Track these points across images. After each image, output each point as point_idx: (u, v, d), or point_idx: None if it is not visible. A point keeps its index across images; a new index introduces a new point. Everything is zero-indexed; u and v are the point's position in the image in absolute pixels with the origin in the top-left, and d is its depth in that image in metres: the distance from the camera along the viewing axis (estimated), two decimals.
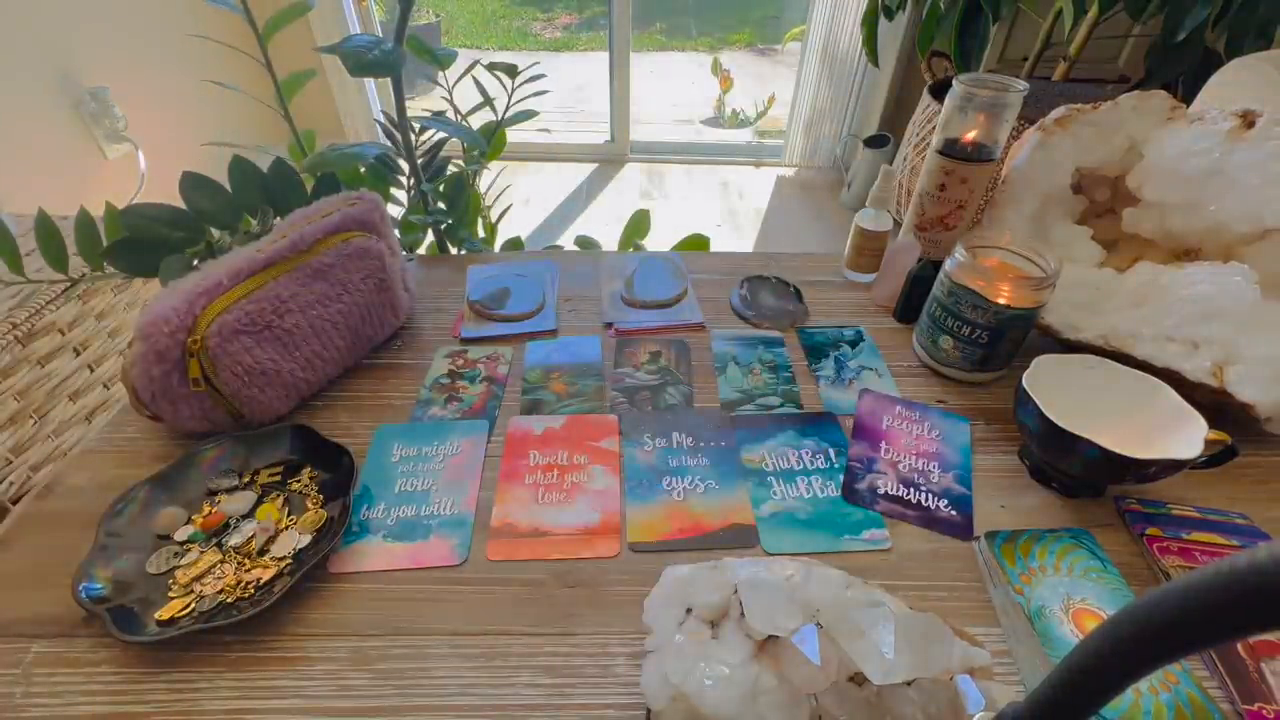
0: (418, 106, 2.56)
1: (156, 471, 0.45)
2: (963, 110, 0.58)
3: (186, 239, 0.65)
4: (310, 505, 0.45)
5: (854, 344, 0.61)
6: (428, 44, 0.79)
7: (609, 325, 0.64)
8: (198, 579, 0.40)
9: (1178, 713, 0.33)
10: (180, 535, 0.43)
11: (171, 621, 0.37)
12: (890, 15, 1.66)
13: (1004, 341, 0.53)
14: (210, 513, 0.44)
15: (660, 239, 0.93)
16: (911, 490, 0.47)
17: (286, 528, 0.44)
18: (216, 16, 1.12)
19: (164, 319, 0.45)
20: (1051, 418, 0.42)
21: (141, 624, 0.37)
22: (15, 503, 0.80)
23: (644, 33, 4.10)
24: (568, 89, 3.24)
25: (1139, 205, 0.57)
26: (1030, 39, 1.65)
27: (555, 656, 0.37)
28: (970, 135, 0.59)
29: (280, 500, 0.46)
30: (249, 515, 0.44)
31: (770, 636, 0.30)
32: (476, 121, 0.91)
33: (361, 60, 0.62)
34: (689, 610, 0.32)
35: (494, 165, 1.04)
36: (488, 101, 0.89)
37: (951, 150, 0.59)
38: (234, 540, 0.42)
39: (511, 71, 0.85)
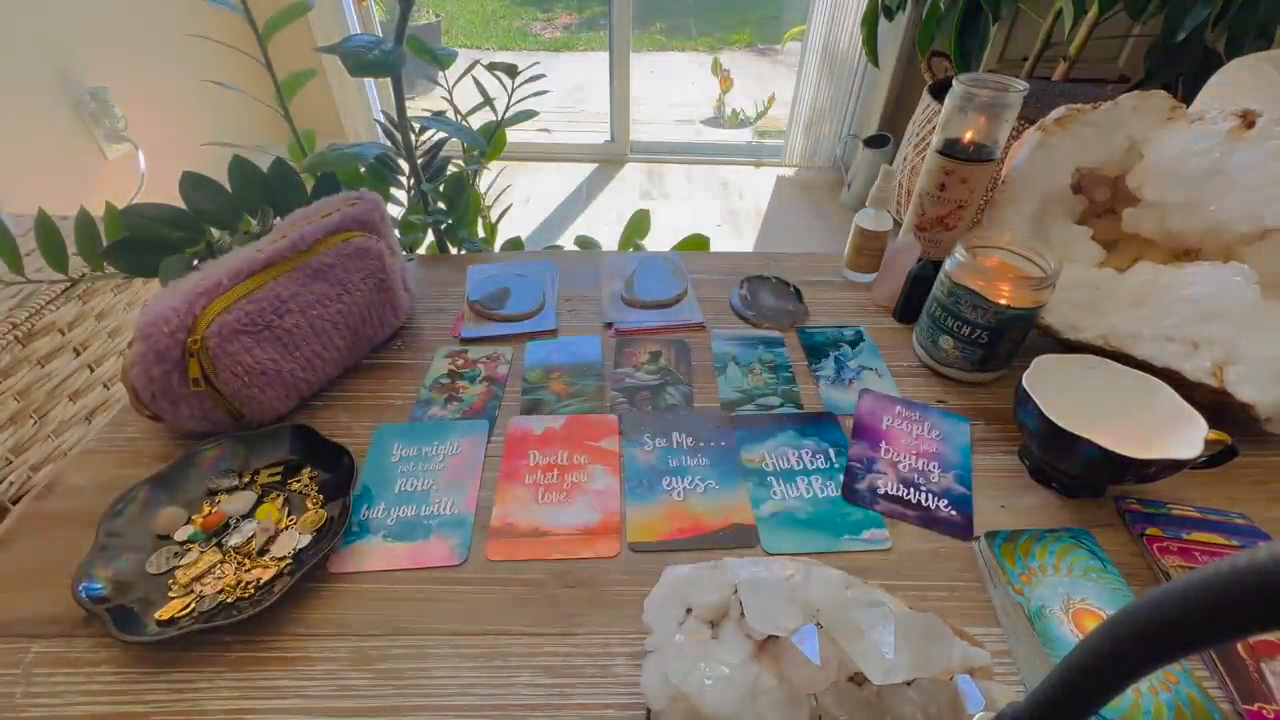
0: (418, 106, 2.57)
1: (156, 471, 0.45)
2: (963, 110, 0.58)
3: (186, 239, 0.65)
4: (310, 505, 0.45)
5: (854, 344, 0.61)
6: (428, 44, 0.79)
7: (609, 325, 0.64)
8: (198, 579, 0.40)
9: (1178, 713, 0.33)
10: (180, 535, 0.43)
11: (171, 621, 0.37)
12: (890, 15, 1.66)
13: (1004, 341, 0.53)
14: (210, 513, 0.44)
15: (660, 239, 0.93)
16: (911, 490, 0.47)
17: (286, 528, 0.44)
18: (216, 16, 1.12)
19: (164, 319, 0.45)
20: (1051, 418, 0.42)
21: (141, 624, 0.37)
22: (15, 503, 0.80)
23: (644, 33, 4.10)
24: (568, 89, 3.24)
25: (1139, 205, 0.57)
26: (1030, 39, 1.65)
27: (555, 656, 0.37)
28: (970, 135, 0.59)
29: (280, 500, 0.46)
30: (249, 515, 0.44)
31: (770, 636, 0.30)
32: (476, 121, 0.91)
33: (361, 60, 0.62)
34: (689, 610, 0.32)
35: (494, 165, 1.04)
36: (488, 101, 0.89)
37: (951, 150, 0.59)
38: (234, 540, 0.42)
39: (511, 71, 0.85)
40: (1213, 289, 0.49)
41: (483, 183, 0.97)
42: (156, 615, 0.38)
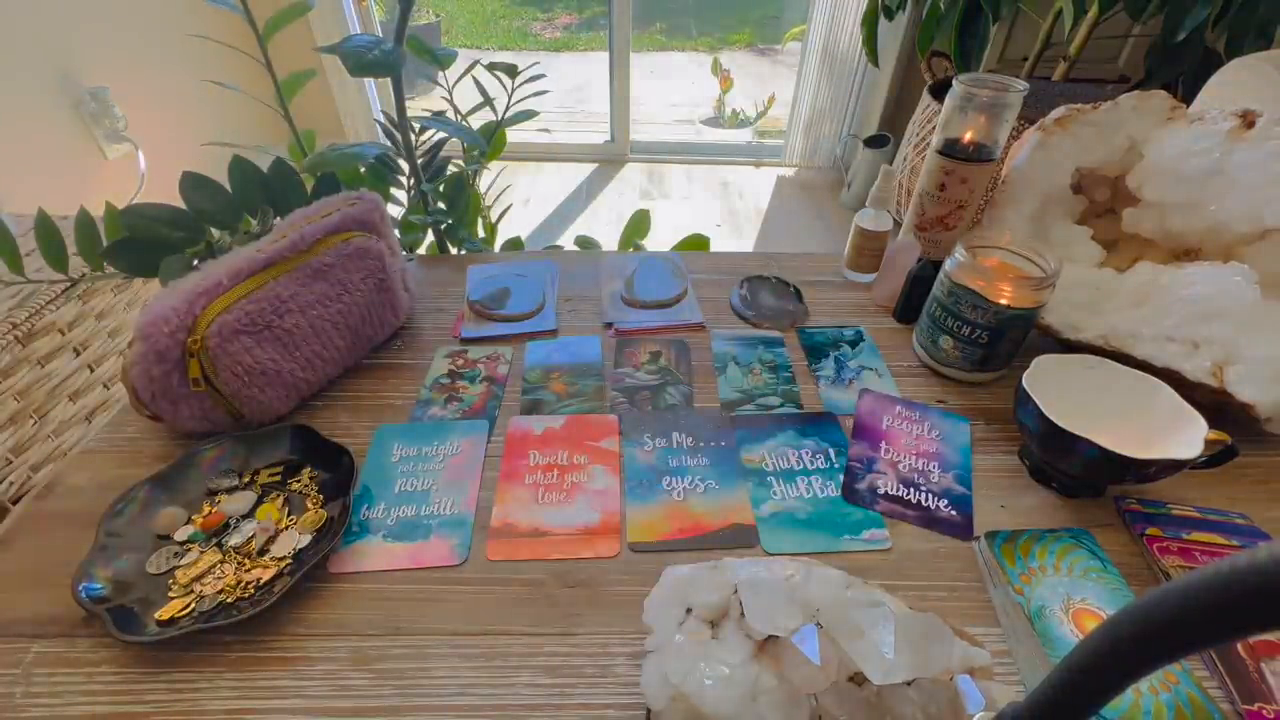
0: (418, 106, 2.57)
1: (156, 471, 0.45)
2: (963, 110, 0.58)
3: (186, 239, 0.65)
4: (310, 505, 0.45)
5: (854, 344, 0.61)
6: (428, 44, 0.79)
7: (609, 325, 0.64)
8: (198, 579, 0.40)
9: (1178, 713, 0.33)
10: (180, 535, 0.43)
11: (171, 621, 0.37)
12: (890, 15, 1.66)
13: (1004, 341, 0.53)
14: (210, 513, 0.44)
15: (660, 239, 0.93)
16: (911, 490, 0.47)
17: (286, 528, 0.44)
18: (216, 16, 1.12)
19: (164, 319, 0.45)
20: (1051, 418, 0.42)
21: (141, 624, 0.37)
22: (15, 503, 0.80)
23: (644, 33, 4.10)
24: (568, 89, 3.24)
25: (1139, 205, 0.57)
26: (1030, 39, 1.65)
27: (555, 656, 0.37)
28: (970, 135, 0.59)
29: (280, 500, 0.46)
30: (249, 515, 0.44)
31: (770, 636, 0.30)
32: (476, 121, 0.91)
33: (361, 60, 0.62)
34: (689, 610, 0.32)
35: (494, 165, 1.04)
36: (488, 101, 0.89)
37: (951, 150, 0.59)
38: (234, 540, 0.42)
39: (511, 71, 0.85)
40: (1213, 289, 0.49)
41: (483, 183, 0.97)
42: (156, 615, 0.38)
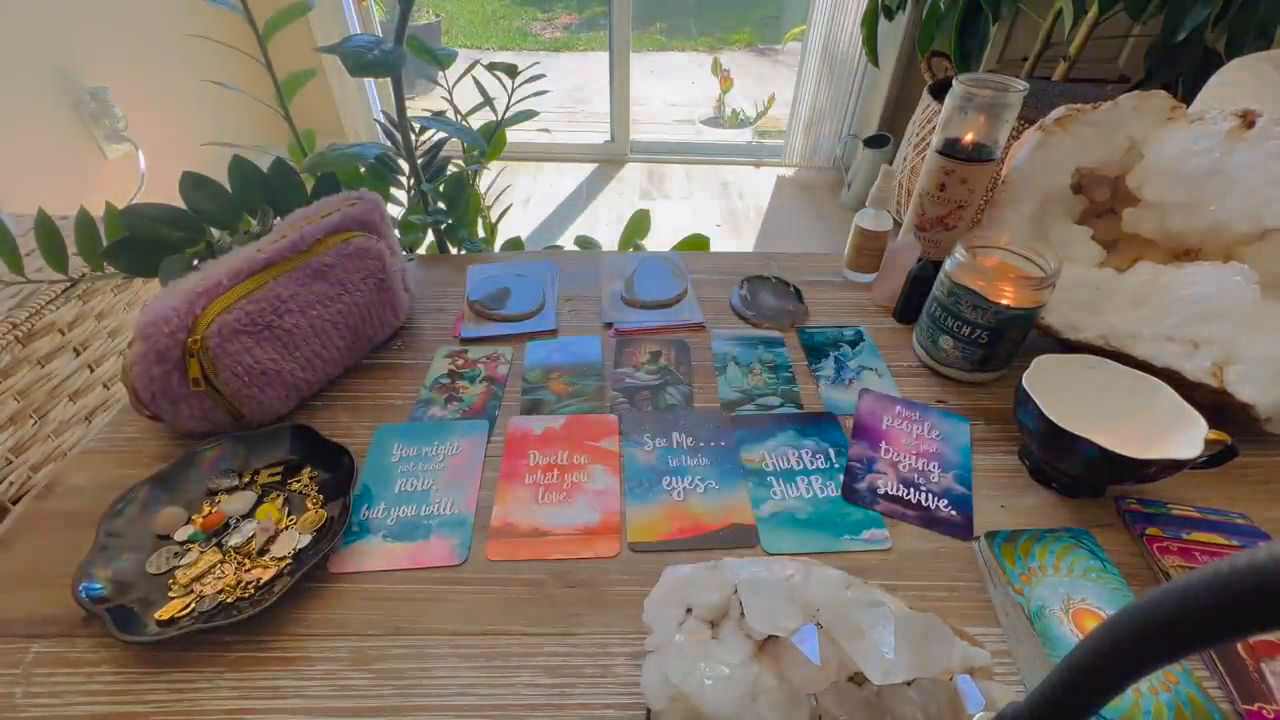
0: (418, 106, 2.57)
1: (156, 471, 0.45)
2: (963, 110, 0.58)
3: (186, 239, 0.65)
4: (310, 505, 0.45)
5: (854, 344, 0.61)
6: (428, 44, 0.79)
7: (609, 325, 0.64)
8: (198, 579, 0.40)
9: (1178, 713, 0.33)
10: (180, 535, 0.43)
11: (171, 621, 0.37)
12: (890, 15, 1.66)
13: (1004, 341, 0.53)
14: (210, 513, 0.44)
15: (660, 239, 0.93)
16: (911, 490, 0.47)
17: (286, 528, 0.44)
18: (216, 16, 1.12)
19: (164, 319, 0.45)
20: (1051, 418, 0.42)
21: (141, 624, 0.37)
22: (15, 503, 0.80)
23: (644, 33, 4.10)
24: (568, 89, 3.24)
25: (1139, 205, 0.57)
26: (1030, 39, 1.65)
27: (555, 656, 0.37)
28: (970, 135, 0.59)
29: (280, 500, 0.46)
30: (249, 515, 0.44)
31: (770, 636, 0.30)
32: (476, 121, 0.91)
33: (361, 60, 0.62)
34: (689, 610, 0.32)
35: (494, 165, 1.04)
36: (488, 101, 0.89)
37: (951, 150, 0.59)
38: (234, 540, 0.42)
39: (511, 71, 0.85)
40: (1213, 289, 0.49)
41: (483, 183, 0.97)
42: (156, 615, 0.38)
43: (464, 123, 0.88)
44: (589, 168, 2.42)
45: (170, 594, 0.39)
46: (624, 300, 0.67)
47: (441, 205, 0.83)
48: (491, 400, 0.55)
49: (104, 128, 1.46)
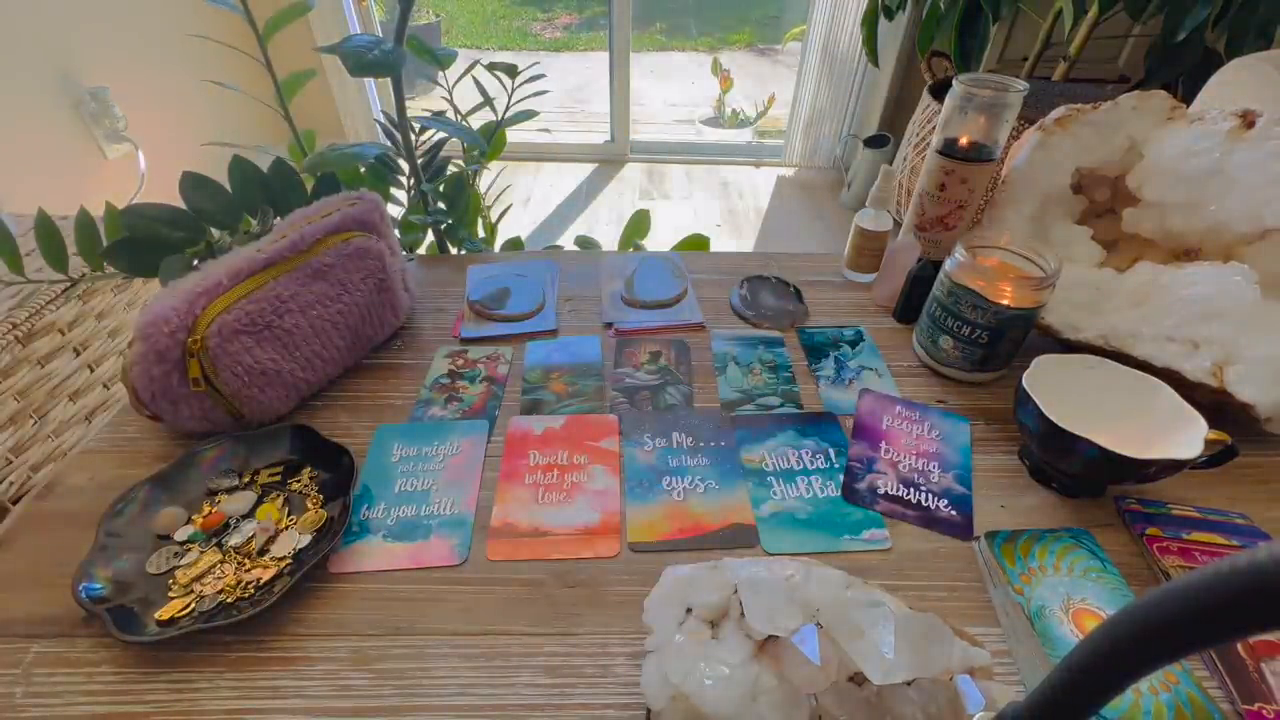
0: (418, 106, 2.57)
1: (156, 471, 0.45)
2: (963, 110, 0.58)
3: (186, 239, 0.65)
4: (310, 505, 0.45)
5: (854, 344, 0.61)
6: (428, 44, 0.79)
7: (609, 325, 0.64)
8: (198, 579, 0.40)
9: (1178, 713, 0.33)
10: (180, 535, 0.43)
11: (171, 621, 0.37)
12: (890, 15, 1.66)
13: (1004, 341, 0.53)
14: (210, 513, 0.44)
15: (660, 239, 0.93)
16: (911, 490, 0.47)
17: (286, 528, 0.44)
18: (216, 16, 1.12)
19: (164, 319, 0.45)
20: (1051, 418, 0.42)
21: (141, 624, 0.37)
22: (15, 503, 0.80)
23: (644, 33, 4.10)
24: (568, 89, 3.24)
25: (1139, 205, 0.57)
26: (1030, 39, 1.65)
27: (555, 656, 0.37)
28: (970, 135, 0.59)
29: (280, 500, 0.46)
30: (249, 515, 0.44)
31: (770, 636, 0.30)
32: (476, 121, 0.91)
33: (361, 60, 0.62)
34: (689, 610, 0.32)
35: (494, 165, 1.04)
36: (488, 101, 0.89)
37: (951, 150, 0.59)
38: (234, 540, 0.42)
39: (511, 71, 0.85)
40: (1213, 289, 0.49)
41: (483, 183, 0.97)
42: (156, 615, 0.38)
43: (464, 123, 0.88)
44: (589, 168, 2.42)
45: (170, 594, 0.39)
46: (624, 300, 0.67)
47: (441, 205, 0.83)
48: (491, 400, 0.55)
49: (104, 128, 1.46)
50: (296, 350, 0.51)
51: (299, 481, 0.47)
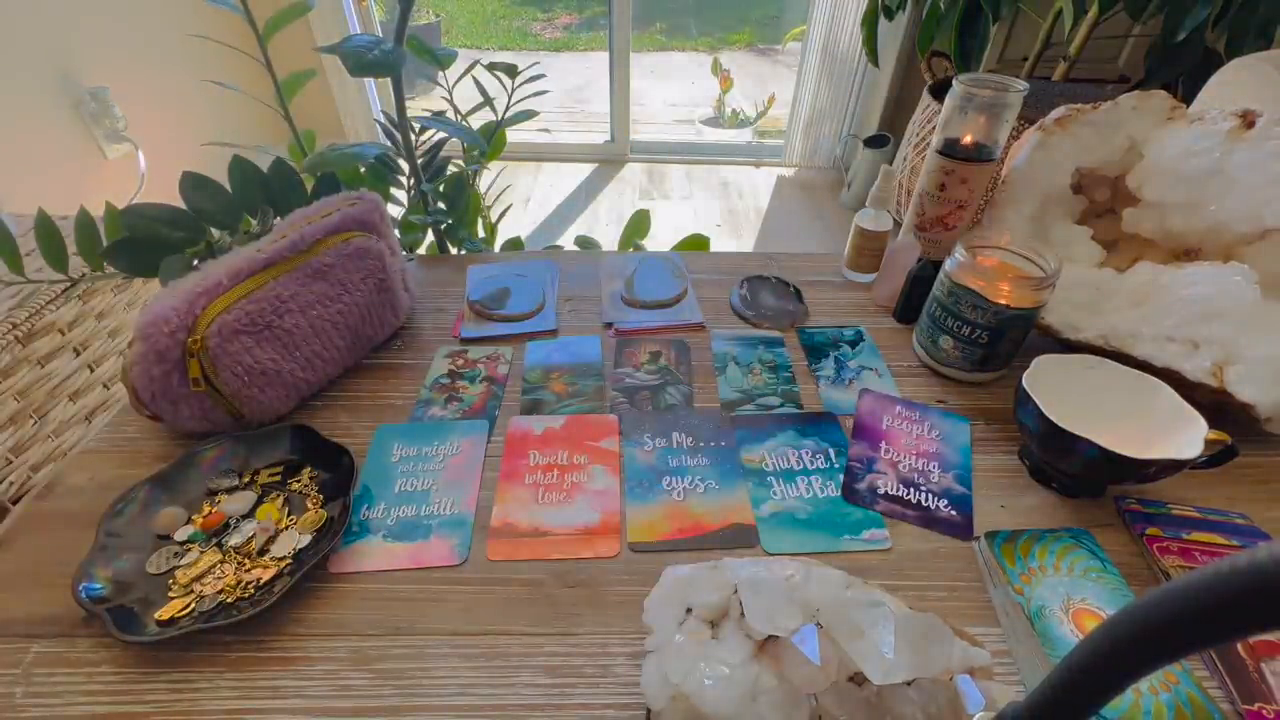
0: (418, 106, 2.57)
1: (156, 471, 0.45)
2: (963, 110, 0.58)
3: (186, 239, 0.65)
4: (310, 505, 0.45)
5: (854, 344, 0.61)
6: (428, 44, 0.79)
7: (609, 325, 0.64)
8: (198, 579, 0.40)
9: (1178, 713, 0.33)
10: (180, 535, 0.43)
11: (171, 621, 0.37)
12: (890, 15, 1.66)
13: (1004, 341, 0.53)
14: (210, 513, 0.44)
15: (660, 239, 0.93)
16: (911, 490, 0.47)
17: (286, 528, 0.44)
18: (216, 16, 1.12)
19: (164, 319, 0.45)
20: (1051, 418, 0.42)
21: (141, 624, 0.37)
22: (15, 503, 0.80)
23: (644, 33, 4.10)
24: (568, 89, 3.24)
25: (1139, 205, 0.57)
26: (1030, 39, 1.65)
27: (555, 656, 0.37)
28: (970, 135, 0.59)
29: (280, 500, 0.46)
30: (249, 515, 0.44)
31: (770, 636, 0.30)
32: (476, 121, 0.91)
33: (361, 60, 0.62)
34: (689, 610, 0.32)
35: (494, 165, 1.04)
36: (488, 101, 0.89)
37: (951, 150, 0.59)
38: (234, 540, 0.42)
39: (511, 71, 0.85)
40: (1213, 289, 0.49)
41: (483, 183, 0.97)
42: (156, 615, 0.38)
43: (464, 123, 0.88)
44: (589, 168, 2.42)
45: (170, 594, 0.39)
46: (624, 300, 0.67)
47: (441, 205, 0.83)
48: (491, 400, 0.55)
49: (104, 128, 1.46)
50: (296, 350, 0.51)
51: (299, 481, 0.47)
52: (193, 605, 0.38)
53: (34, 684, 0.36)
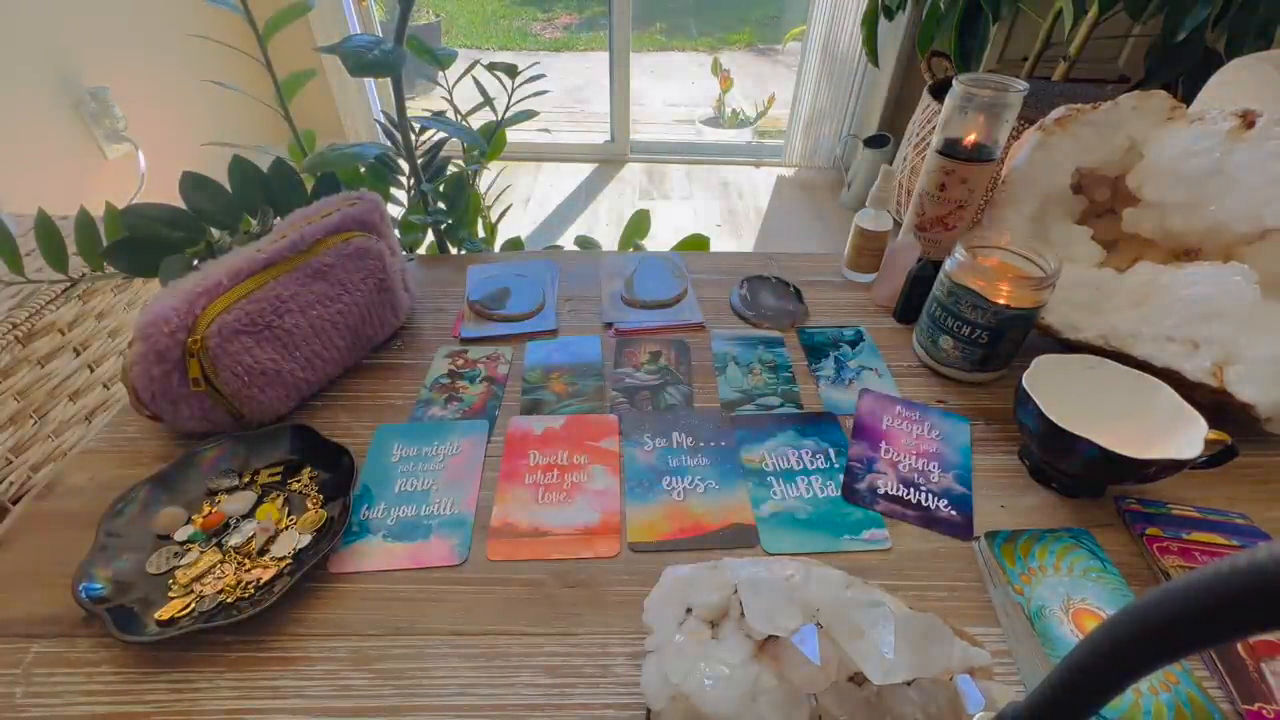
0: (418, 106, 2.57)
1: (156, 471, 0.45)
2: (963, 110, 0.58)
3: (186, 239, 0.65)
4: (310, 505, 0.45)
5: (854, 344, 0.61)
6: (428, 44, 0.79)
7: (609, 325, 0.64)
8: (198, 579, 0.40)
9: (1178, 713, 0.33)
10: (180, 535, 0.43)
11: (171, 621, 0.37)
12: (890, 15, 1.66)
13: (1004, 341, 0.53)
14: (210, 513, 0.44)
15: (660, 239, 0.93)
16: (911, 490, 0.47)
17: (286, 528, 0.44)
18: (216, 16, 1.12)
19: (164, 319, 0.45)
20: (1051, 418, 0.42)
21: (141, 624, 0.37)
22: (15, 503, 0.80)
23: (644, 33, 4.10)
24: (568, 89, 3.24)
25: (1139, 205, 0.57)
26: (1030, 39, 1.65)
27: (555, 656, 0.37)
28: (970, 135, 0.59)
29: (280, 500, 0.46)
30: (249, 515, 0.44)
31: (770, 636, 0.30)
32: (476, 121, 0.91)
33: (361, 60, 0.62)
34: (689, 610, 0.32)
35: (494, 165, 1.04)
36: (488, 101, 0.89)
37: (951, 150, 0.59)
38: (234, 540, 0.42)
39: (511, 71, 0.85)
40: (1213, 289, 0.49)
41: (483, 183, 0.97)
42: (156, 615, 0.38)
43: (464, 123, 0.88)
44: (589, 168, 2.42)
45: (170, 594, 0.39)
46: (624, 300, 0.67)
47: (441, 205, 0.83)
48: (491, 400, 0.55)
49: (104, 128, 1.46)
50: (296, 350, 0.51)
51: (299, 481, 0.47)
52: (193, 605, 0.38)
53: (34, 684, 0.36)
